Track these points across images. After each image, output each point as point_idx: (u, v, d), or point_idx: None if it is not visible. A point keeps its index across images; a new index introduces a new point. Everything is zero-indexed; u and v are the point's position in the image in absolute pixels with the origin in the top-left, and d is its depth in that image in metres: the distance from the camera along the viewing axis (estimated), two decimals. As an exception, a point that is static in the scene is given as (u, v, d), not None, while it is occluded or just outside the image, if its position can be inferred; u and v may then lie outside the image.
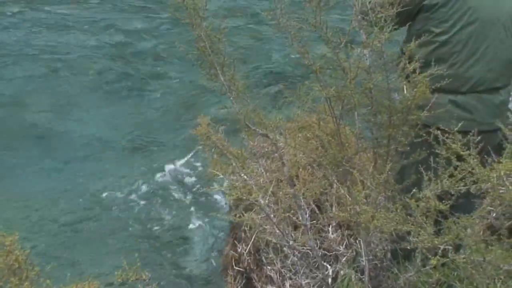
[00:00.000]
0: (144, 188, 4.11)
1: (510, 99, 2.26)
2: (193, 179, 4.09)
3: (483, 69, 1.99)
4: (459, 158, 1.62)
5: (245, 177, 2.54)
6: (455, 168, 1.62)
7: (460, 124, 1.80)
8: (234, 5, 7.29)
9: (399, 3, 1.97)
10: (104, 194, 4.05)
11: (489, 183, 1.68)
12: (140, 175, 4.24)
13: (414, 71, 1.86)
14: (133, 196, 4.03)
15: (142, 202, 3.97)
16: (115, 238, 3.64)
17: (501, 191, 1.77)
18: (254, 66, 5.71)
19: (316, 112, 2.22)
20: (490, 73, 2.01)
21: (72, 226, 3.75)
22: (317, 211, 2.57)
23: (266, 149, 2.72)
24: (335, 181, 2.33)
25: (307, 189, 2.35)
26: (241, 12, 7.04)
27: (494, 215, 1.95)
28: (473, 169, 1.55)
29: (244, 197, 2.07)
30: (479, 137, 1.65)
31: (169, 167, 4.33)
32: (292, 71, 5.37)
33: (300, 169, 2.56)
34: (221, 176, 2.53)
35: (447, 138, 1.66)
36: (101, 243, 3.59)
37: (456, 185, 1.64)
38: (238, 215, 2.56)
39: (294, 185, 2.37)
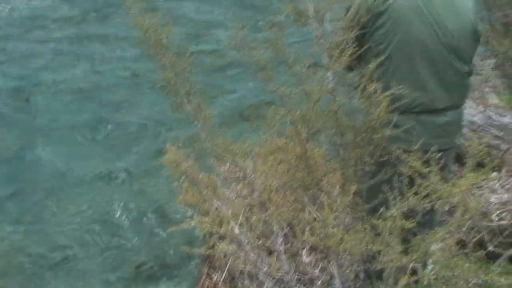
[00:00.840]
0: (116, 216, 4.05)
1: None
2: (167, 206, 4.05)
3: (419, 90, 1.99)
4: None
5: (217, 204, 2.53)
6: (411, 186, 1.65)
7: (398, 143, 1.85)
8: (199, 29, 7.33)
9: (357, 25, 2.03)
10: (76, 224, 3.98)
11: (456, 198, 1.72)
12: (113, 204, 4.18)
13: (374, 92, 1.90)
14: (105, 225, 3.97)
15: (113, 230, 3.92)
16: (89, 268, 3.57)
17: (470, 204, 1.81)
18: (220, 91, 5.73)
19: (284, 135, 2.23)
20: (427, 95, 2.01)
21: (45, 256, 3.68)
22: (291, 235, 2.56)
23: (238, 174, 2.72)
24: (307, 204, 2.33)
25: (279, 214, 2.35)
26: (205, 35, 7.07)
27: (463, 229, 1.98)
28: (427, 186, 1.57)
29: (216, 230, 2.06)
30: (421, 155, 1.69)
31: (142, 194, 4.29)
32: (260, 95, 5.40)
33: (272, 193, 2.56)
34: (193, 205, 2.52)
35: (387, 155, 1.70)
36: (74, 275, 3.52)
37: (422, 202, 1.66)
38: (211, 244, 2.54)
39: (266, 210, 2.37)
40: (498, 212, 2.40)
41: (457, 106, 2.10)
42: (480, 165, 1.88)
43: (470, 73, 2.12)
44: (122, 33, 6.93)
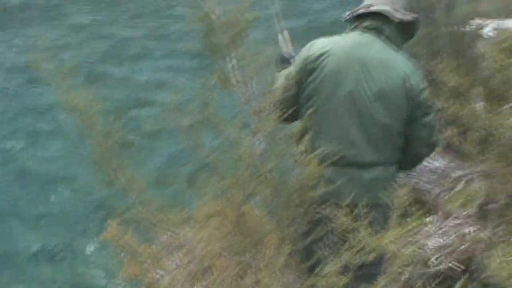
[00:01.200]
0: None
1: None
2: (110, 282, 3.93)
3: (344, 144, 2.01)
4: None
5: (159, 274, 2.47)
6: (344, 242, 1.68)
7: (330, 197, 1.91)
8: (140, 92, 7.35)
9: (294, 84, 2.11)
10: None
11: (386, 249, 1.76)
12: (55, 282, 4.04)
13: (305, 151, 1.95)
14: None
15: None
16: None
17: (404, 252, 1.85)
18: (158, 153, 5.72)
19: (220, 199, 2.24)
20: (353, 148, 2.03)
21: None
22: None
23: (178, 242, 2.67)
24: (248, 267, 2.31)
25: (222, 279, 2.31)
26: (139, 101, 7.07)
27: (403, 278, 2.01)
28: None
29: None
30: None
31: (82, 271, 4.18)
32: (193, 160, 5.41)
33: (214, 258, 2.52)
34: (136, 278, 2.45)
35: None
36: None
37: (354, 258, 1.69)
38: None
39: (209, 276, 2.33)
40: (435, 257, 2.45)
41: (386, 163, 2.09)
42: (409, 213, 1.94)
43: (402, 133, 2.11)
44: (57, 104, 6.84)
